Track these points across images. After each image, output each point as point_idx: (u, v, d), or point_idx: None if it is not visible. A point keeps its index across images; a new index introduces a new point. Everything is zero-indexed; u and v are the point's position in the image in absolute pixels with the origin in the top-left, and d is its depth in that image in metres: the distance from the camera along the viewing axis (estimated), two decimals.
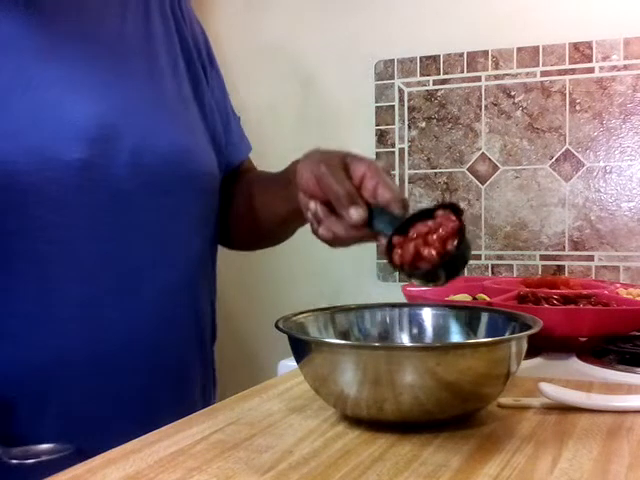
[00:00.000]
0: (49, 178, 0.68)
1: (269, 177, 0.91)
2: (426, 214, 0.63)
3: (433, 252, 0.60)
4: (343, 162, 0.68)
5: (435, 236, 0.61)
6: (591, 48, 1.41)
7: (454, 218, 0.62)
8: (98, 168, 0.71)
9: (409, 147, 1.57)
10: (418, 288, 1.14)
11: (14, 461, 0.61)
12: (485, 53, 1.49)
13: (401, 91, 1.57)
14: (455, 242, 0.60)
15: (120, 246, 0.74)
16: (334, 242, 0.68)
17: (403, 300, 1.04)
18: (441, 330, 0.72)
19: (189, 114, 0.86)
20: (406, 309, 0.75)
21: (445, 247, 0.61)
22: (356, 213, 0.64)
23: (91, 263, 0.72)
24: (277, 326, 0.63)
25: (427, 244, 0.61)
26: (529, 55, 1.46)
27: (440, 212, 0.63)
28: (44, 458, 0.59)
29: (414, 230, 0.63)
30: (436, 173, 1.55)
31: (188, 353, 0.84)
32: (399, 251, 0.62)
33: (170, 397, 0.80)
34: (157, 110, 0.80)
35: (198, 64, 0.90)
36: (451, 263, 0.61)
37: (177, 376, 0.82)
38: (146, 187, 0.75)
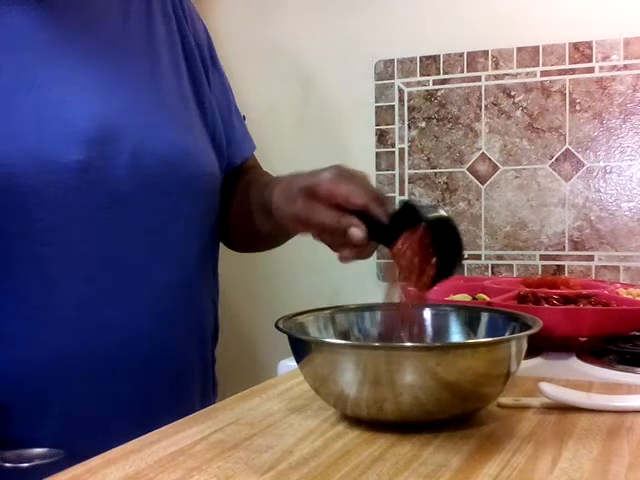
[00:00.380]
0: (48, 180, 0.68)
1: (265, 183, 0.88)
2: (407, 211, 0.63)
3: (421, 284, 0.61)
4: (309, 189, 0.68)
5: (415, 269, 0.62)
6: (591, 48, 1.41)
7: (418, 235, 0.61)
8: (97, 170, 0.71)
9: (409, 147, 1.57)
10: None
11: (8, 464, 0.61)
12: (485, 53, 1.49)
13: (401, 91, 1.57)
14: (434, 259, 0.60)
15: (119, 247, 0.74)
16: (358, 259, 0.68)
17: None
18: (441, 330, 0.72)
19: (189, 114, 0.86)
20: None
21: (429, 273, 0.61)
22: (357, 232, 0.64)
23: (90, 264, 0.72)
24: (277, 326, 0.63)
25: (411, 274, 0.62)
26: (529, 55, 1.46)
27: (405, 234, 0.62)
28: (37, 462, 0.59)
29: (398, 259, 0.62)
30: (436, 173, 1.55)
31: (188, 353, 0.84)
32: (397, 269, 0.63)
33: (170, 397, 0.80)
34: (157, 111, 0.80)
35: (199, 63, 0.89)
36: (444, 267, 0.61)
37: (177, 376, 0.82)
38: (145, 189, 0.75)
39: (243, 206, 0.91)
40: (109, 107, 0.74)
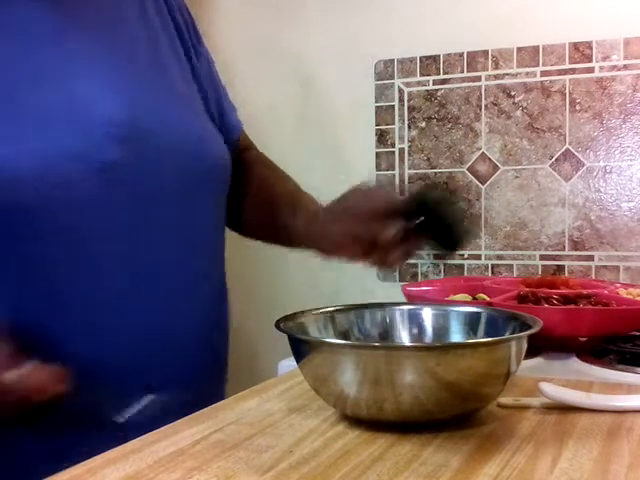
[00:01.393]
0: (75, 179, 0.67)
1: (291, 202, 0.88)
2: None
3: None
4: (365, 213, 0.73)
5: None
6: (591, 48, 1.41)
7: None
8: (123, 168, 0.69)
9: (409, 147, 1.57)
10: (418, 288, 1.14)
11: (121, 419, 0.66)
12: (485, 53, 1.49)
13: (401, 91, 1.57)
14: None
15: (138, 245, 0.72)
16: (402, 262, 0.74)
17: (403, 300, 1.04)
18: (441, 330, 0.72)
19: (196, 101, 0.85)
20: (406, 309, 0.75)
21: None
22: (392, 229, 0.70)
23: (107, 263, 0.70)
24: (277, 326, 0.63)
25: None
26: (529, 55, 1.46)
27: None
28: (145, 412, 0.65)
29: None
30: (436, 173, 1.55)
31: (207, 346, 0.83)
32: None
33: (186, 398, 0.78)
34: (172, 102, 0.78)
35: (189, 42, 0.87)
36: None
37: (194, 375, 0.80)
38: (166, 185, 0.74)
39: (267, 208, 0.90)
40: (131, 101, 0.72)
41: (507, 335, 0.65)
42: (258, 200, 0.92)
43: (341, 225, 0.75)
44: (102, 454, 0.55)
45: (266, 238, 0.94)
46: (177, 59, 0.84)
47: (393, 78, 1.58)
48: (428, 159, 1.55)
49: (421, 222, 0.70)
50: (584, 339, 0.97)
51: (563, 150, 1.44)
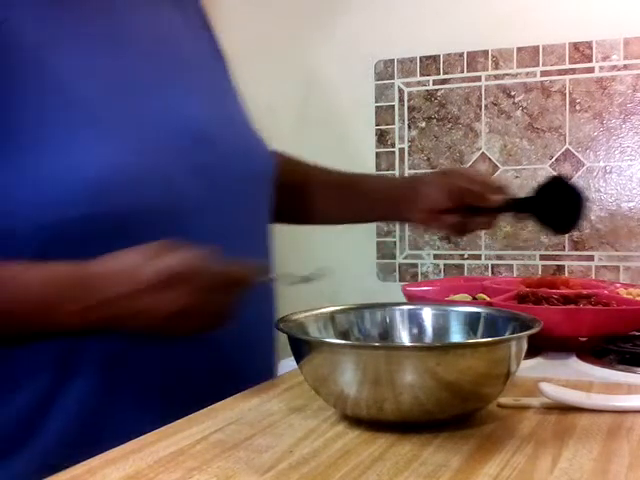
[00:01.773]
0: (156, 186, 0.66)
1: (337, 182, 0.96)
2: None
3: None
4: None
5: None
6: (591, 48, 1.41)
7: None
8: (206, 170, 0.70)
9: (409, 147, 1.57)
10: (418, 288, 1.14)
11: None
12: (485, 53, 1.49)
13: (401, 91, 1.57)
14: None
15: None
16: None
17: (403, 300, 1.04)
18: (441, 330, 0.72)
19: (241, 101, 0.85)
20: (406, 309, 0.75)
21: None
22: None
23: None
24: (277, 326, 0.63)
25: None
26: (529, 55, 1.46)
27: None
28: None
29: None
30: None
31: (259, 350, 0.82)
32: None
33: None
34: (229, 103, 0.80)
35: (215, 37, 0.88)
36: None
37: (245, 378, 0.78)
38: (233, 186, 0.74)
39: (297, 199, 0.94)
40: (207, 107, 0.74)
41: (507, 335, 0.65)
42: (324, 185, 0.96)
43: (443, 177, 0.85)
44: (101, 454, 0.55)
45: (341, 219, 1.01)
46: (219, 58, 0.85)
47: (393, 78, 1.58)
48: (428, 159, 1.55)
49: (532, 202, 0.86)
50: (584, 339, 0.97)
51: (563, 150, 1.44)
